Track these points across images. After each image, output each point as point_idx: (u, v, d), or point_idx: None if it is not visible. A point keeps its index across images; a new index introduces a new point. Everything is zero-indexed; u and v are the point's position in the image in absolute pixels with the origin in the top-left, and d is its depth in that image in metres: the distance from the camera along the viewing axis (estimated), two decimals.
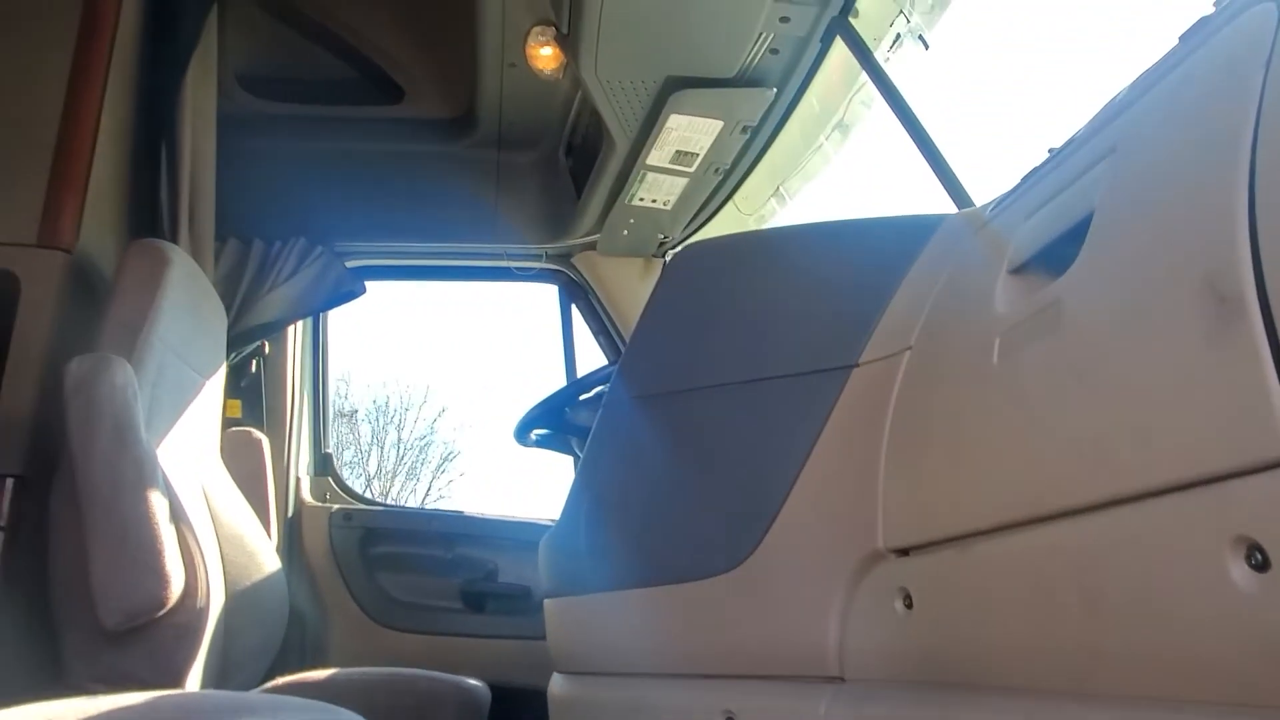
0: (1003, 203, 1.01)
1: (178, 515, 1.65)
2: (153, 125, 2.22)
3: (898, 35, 1.92)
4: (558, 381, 2.93)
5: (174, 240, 2.22)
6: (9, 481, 1.75)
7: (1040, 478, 0.72)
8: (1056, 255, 0.78)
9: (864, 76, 2.07)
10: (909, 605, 0.91)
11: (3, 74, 1.94)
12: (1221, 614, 0.53)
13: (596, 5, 1.86)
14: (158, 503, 1.58)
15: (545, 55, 2.37)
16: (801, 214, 2.71)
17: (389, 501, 13.79)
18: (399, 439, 14.54)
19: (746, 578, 1.11)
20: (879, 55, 1.95)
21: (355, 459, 13.99)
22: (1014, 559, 0.75)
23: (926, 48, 1.88)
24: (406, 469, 14.49)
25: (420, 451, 14.64)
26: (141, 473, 1.57)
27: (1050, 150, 0.95)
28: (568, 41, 2.05)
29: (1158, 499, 0.58)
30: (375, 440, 14.39)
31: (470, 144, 2.78)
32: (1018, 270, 0.84)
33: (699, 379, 1.26)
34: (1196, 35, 0.70)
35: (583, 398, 2.08)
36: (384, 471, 14.17)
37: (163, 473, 1.65)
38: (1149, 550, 0.59)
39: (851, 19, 1.95)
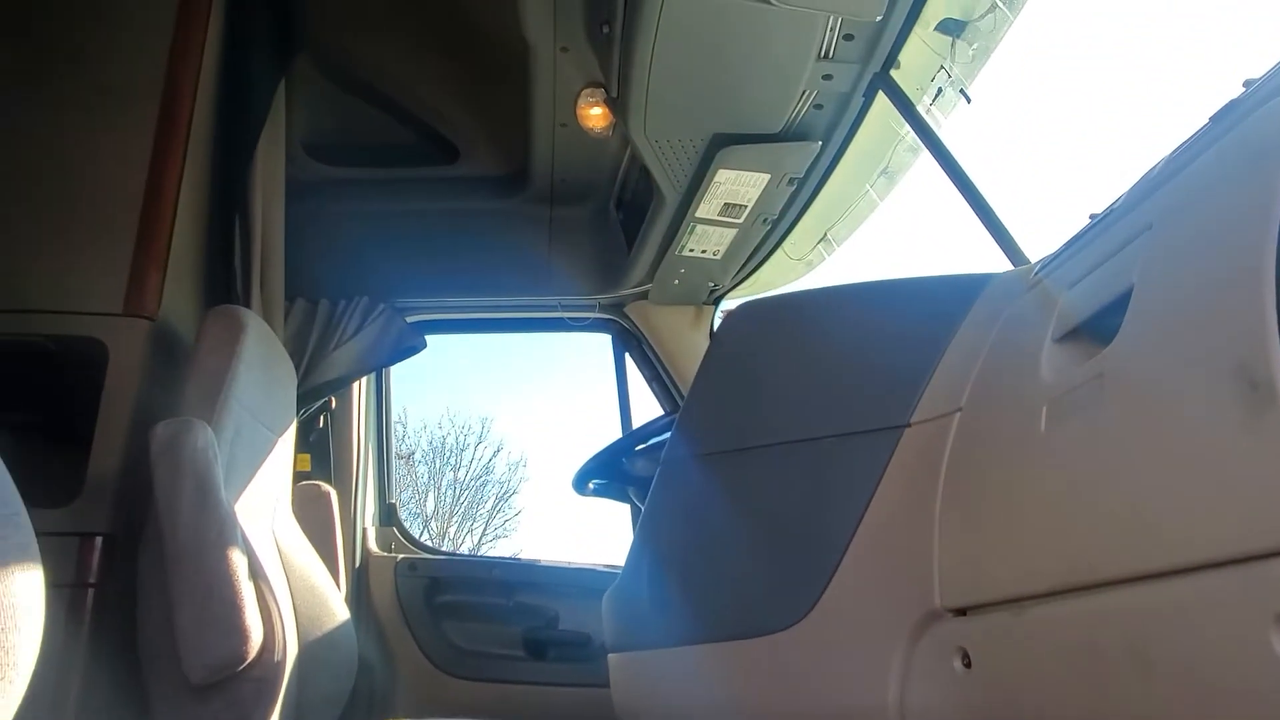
0: (1047, 266, 1.04)
1: (256, 571, 1.73)
2: (226, 194, 2.34)
3: (939, 89, 1.95)
4: (612, 422, 2.98)
5: (247, 303, 2.33)
6: (98, 540, 1.83)
7: (1089, 546, 0.74)
8: (1100, 324, 0.81)
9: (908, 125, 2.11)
10: (967, 665, 0.93)
11: (91, 152, 2.06)
12: (1267, 687, 0.55)
13: (644, 69, 1.93)
14: (238, 560, 1.65)
15: (595, 115, 2.45)
16: (849, 258, 2.75)
17: (446, 542, 13.93)
18: (455, 479, 14.68)
19: (806, 635, 1.14)
20: (921, 107, 1.99)
21: (412, 499, 14.17)
22: (1067, 624, 0.77)
23: (969, 101, 1.92)
24: (463, 509, 14.62)
25: (476, 491, 14.76)
26: (223, 531, 1.65)
27: (1091, 216, 0.98)
28: (617, 103, 2.13)
29: (1201, 573, 0.60)
30: (432, 481, 14.56)
31: (524, 200, 2.87)
32: (1063, 339, 0.87)
33: (754, 438, 1.30)
34: (1227, 117, 0.73)
35: (639, 448, 2.12)
36: (441, 512, 14.31)
37: (241, 530, 1.73)
38: (1195, 622, 0.61)
39: (893, 73, 1.99)
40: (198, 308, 2.22)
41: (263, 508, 2.03)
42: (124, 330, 1.97)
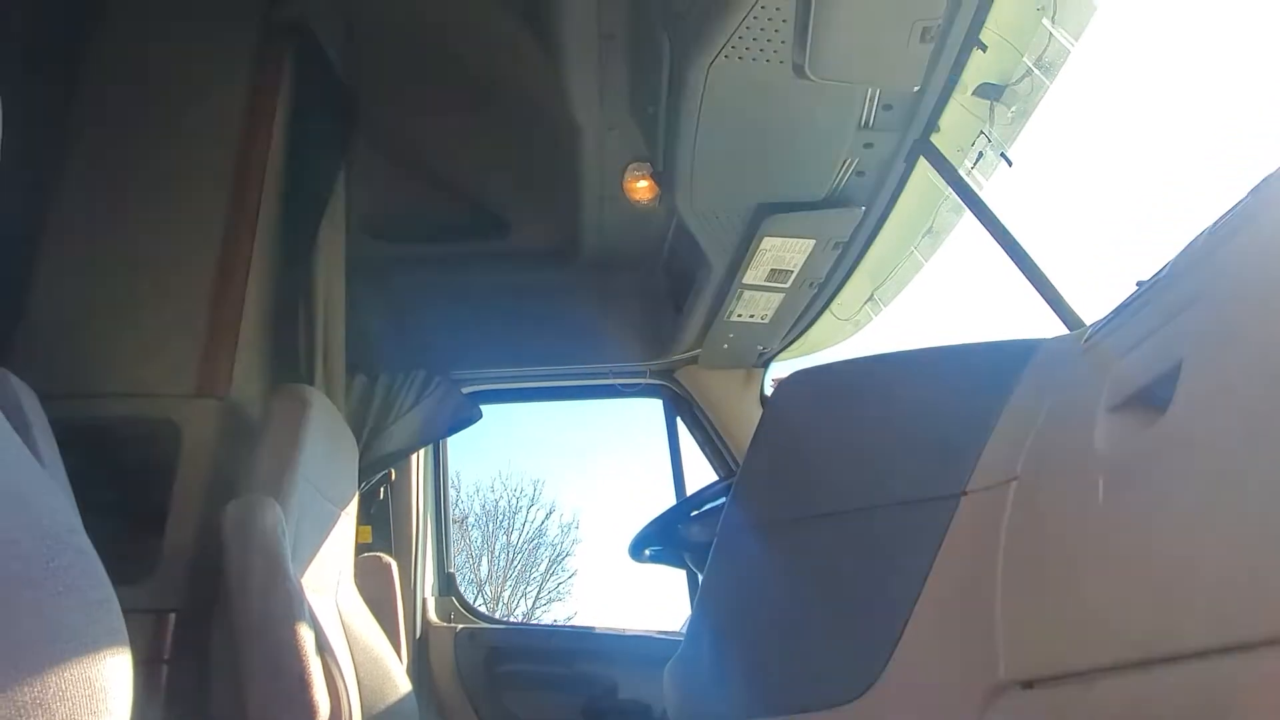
0: (1098, 332, 1.05)
1: (322, 645, 1.77)
2: (290, 275, 2.43)
3: (980, 152, 1.98)
4: (663, 485, 2.99)
5: (310, 380, 2.41)
6: (171, 616, 1.88)
7: (1159, 618, 0.74)
8: (1153, 394, 0.82)
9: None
10: None
11: (164, 237, 2.16)
12: None
13: (689, 145, 1.99)
14: (305, 635, 1.69)
15: (641, 188, 2.52)
16: (896, 318, 2.75)
17: (500, 607, 13.86)
18: (508, 543, 14.67)
19: (873, 708, 1.13)
20: (963, 170, 2.01)
21: (466, 564, 14.17)
22: (1135, 699, 0.76)
23: (1009, 164, 1.94)
24: (516, 573, 14.57)
25: (529, 555, 14.72)
26: (291, 607, 1.70)
27: (1139, 283, 0.99)
28: (663, 177, 2.19)
29: (1269, 648, 0.60)
30: (485, 545, 14.56)
31: (574, 270, 2.95)
32: (1117, 408, 0.88)
33: (811, 507, 1.31)
34: (1266, 191, 0.74)
35: (694, 514, 2.13)
36: (494, 576, 14.28)
37: (308, 604, 1.77)
38: (1264, 699, 0.61)
39: (933, 137, 2.02)
40: (265, 385, 2.30)
41: (327, 581, 2.07)
42: (196, 410, 2.04)
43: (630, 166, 2.48)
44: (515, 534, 14.75)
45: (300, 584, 1.78)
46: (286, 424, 1.98)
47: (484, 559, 14.39)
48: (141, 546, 1.92)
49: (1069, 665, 0.88)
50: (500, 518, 14.74)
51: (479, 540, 14.44)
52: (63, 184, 2.17)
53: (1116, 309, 1.01)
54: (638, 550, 2.18)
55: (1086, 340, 1.06)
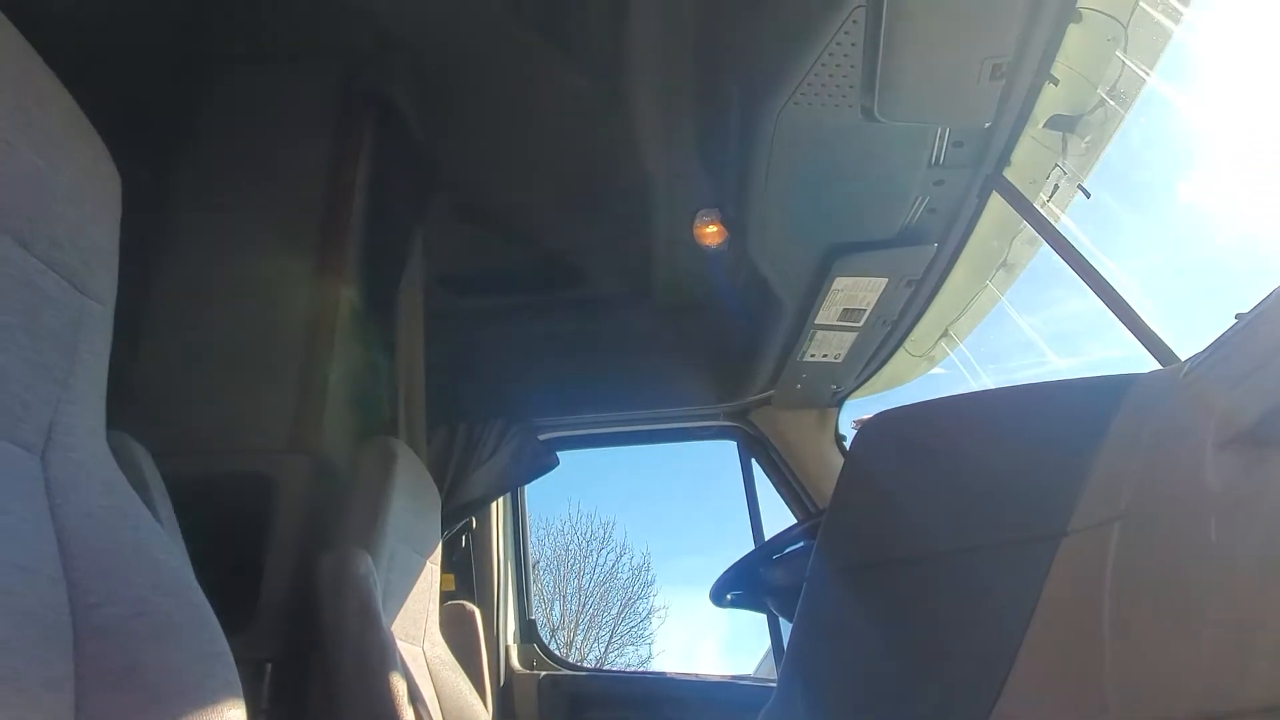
0: (1196, 368, 1.03)
1: (414, 695, 1.80)
2: (372, 331, 2.51)
3: (1055, 185, 1.96)
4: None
5: (395, 432, 2.47)
6: (268, 667, 1.93)
7: (1275, 664, 0.72)
8: (1267, 430, 0.80)
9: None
10: None
11: (255, 297, 2.25)
12: None
13: (759, 191, 2.02)
14: (398, 685, 1.72)
15: (710, 232, 2.55)
16: (971, 353, 2.71)
17: (573, 651, 13.83)
18: (579, 586, 14.66)
19: None
20: (1038, 203, 1.99)
21: (539, 608, 14.18)
22: None
23: (1088, 196, 1.92)
24: (589, 617, 14.53)
25: (601, 598, 14.68)
26: (385, 657, 1.73)
27: (1237, 315, 0.97)
28: (734, 222, 2.22)
29: None
30: (557, 589, 14.57)
31: (644, 316, 2.98)
32: (1226, 444, 0.86)
33: (903, 549, 1.29)
34: None
35: (775, 557, 2.12)
36: (567, 620, 14.26)
37: (399, 654, 1.81)
38: None
39: (1006, 172, 2.01)
40: (352, 438, 2.36)
41: (416, 630, 2.11)
42: (289, 465, 2.11)
43: (700, 212, 2.50)
44: (586, 577, 14.75)
45: (392, 633, 1.82)
46: (375, 477, 2.04)
47: (556, 603, 14.39)
48: (238, 597, 1.98)
49: (1185, 712, 0.85)
50: (571, 561, 14.76)
51: (550, 584, 14.46)
52: (163, 259, 2.28)
53: (1216, 342, 0.99)
54: (719, 595, 2.17)
55: (1185, 375, 1.04)
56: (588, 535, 15.20)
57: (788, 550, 2.10)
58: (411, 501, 2.16)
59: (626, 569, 15.28)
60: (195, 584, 1.16)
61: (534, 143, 2.76)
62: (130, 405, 2.13)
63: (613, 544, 15.43)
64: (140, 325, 2.21)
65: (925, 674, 1.21)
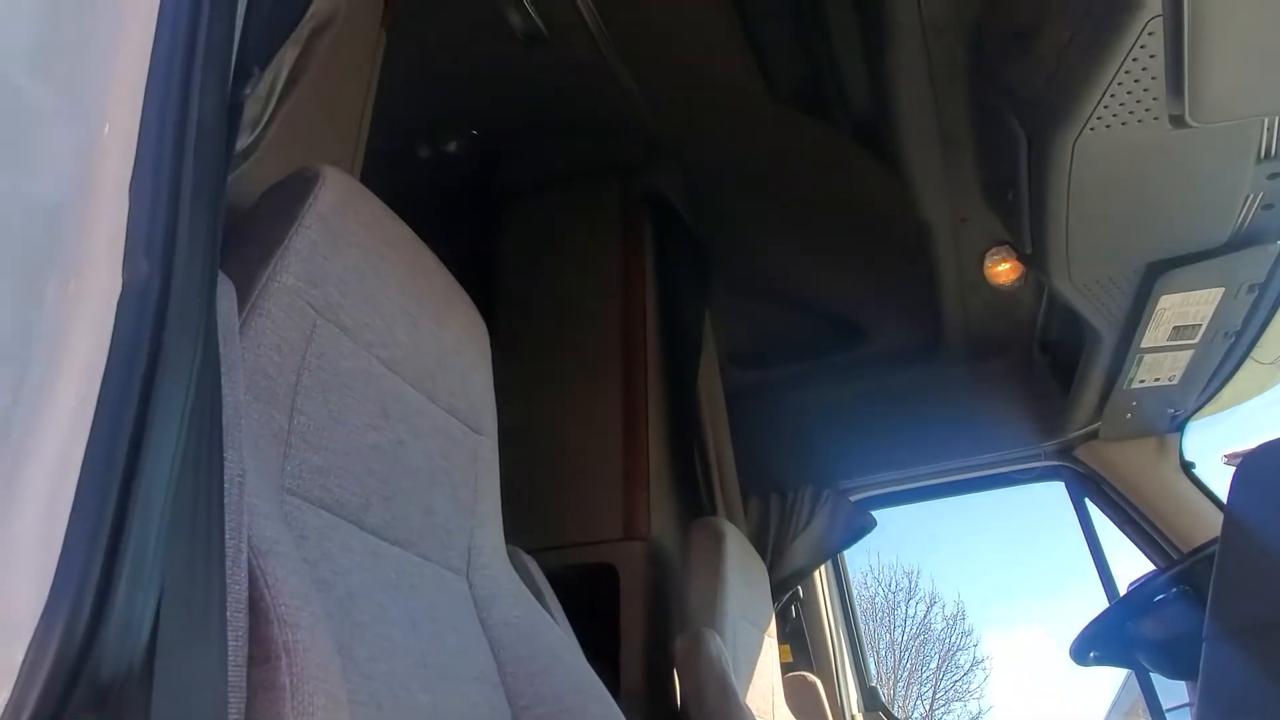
0: None
1: None
2: (680, 419, 2.65)
3: None
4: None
5: (712, 509, 2.58)
6: None
7: None
8: None
9: None
10: None
11: (576, 413, 2.45)
12: None
13: (1060, 222, 1.92)
14: None
15: (1003, 271, 2.45)
16: None
17: (896, 709, 13.25)
18: (891, 641, 14.08)
19: None
20: None
21: None
22: None
23: None
24: (907, 672, 13.89)
25: (916, 652, 13.99)
26: None
27: None
28: (1032, 259, 2.12)
29: None
30: (870, 646, 14.09)
31: (940, 364, 2.90)
32: None
33: None
34: None
35: (1141, 609, 1.95)
36: (883, 677, 13.71)
37: None
38: None
39: None
40: (675, 520, 2.50)
41: (765, 704, 2.16)
42: (626, 552, 2.27)
43: (989, 252, 2.43)
44: (898, 630, 14.16)
45: (749, 707, 1.88)
46: (708, 556, 2.14)
47: (870, 659, 13.91)
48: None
49: None
50: (879, 615, 14.26)
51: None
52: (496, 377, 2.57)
53: None
54: (1082, 654, 2.02)
55: None
56: (892, 586, 14.65)
57: (1155, 599, 1.92)
58: (744, 577, 2.23)
59: (940, 619, 14.51)
60: (598, 680, 1.29)
61: (801, 211, 2.82)
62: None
63: (920, 593, 14.75)
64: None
65: None
